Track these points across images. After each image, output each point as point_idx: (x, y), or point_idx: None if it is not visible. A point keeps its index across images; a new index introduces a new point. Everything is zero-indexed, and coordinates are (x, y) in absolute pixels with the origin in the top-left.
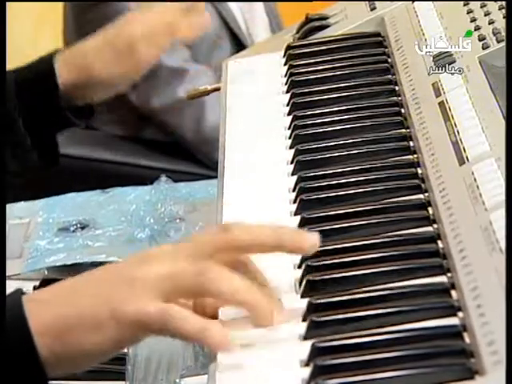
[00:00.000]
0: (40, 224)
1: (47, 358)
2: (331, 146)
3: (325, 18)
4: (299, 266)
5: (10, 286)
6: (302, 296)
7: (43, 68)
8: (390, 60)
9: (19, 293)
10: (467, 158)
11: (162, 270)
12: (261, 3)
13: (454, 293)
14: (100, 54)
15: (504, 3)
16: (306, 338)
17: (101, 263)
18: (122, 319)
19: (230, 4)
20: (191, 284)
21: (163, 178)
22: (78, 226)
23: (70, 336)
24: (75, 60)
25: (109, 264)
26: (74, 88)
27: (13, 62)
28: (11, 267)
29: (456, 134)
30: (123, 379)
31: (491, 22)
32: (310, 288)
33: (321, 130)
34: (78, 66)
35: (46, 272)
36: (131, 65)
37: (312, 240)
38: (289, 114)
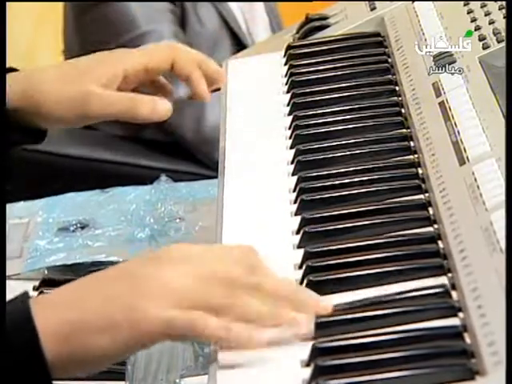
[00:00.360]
0: (40, 224)
1: (54, 361)
2: (331, 146)
3: (325, 18)
4: (300, 267)
5: (10, 286)
6: None
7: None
8: (390, 60)
9: (26, 296)
10: (467, 158)
11: (185, 280)
12: (261, 3)
13: (454, 293)
14: (54, 92)
15: (504, 3)
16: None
17: (101, 263)
18: (143, 325)
19: (231, 4)
20: (217, 304)
21: (163, 177)
22: (78, 225)
23: (78, 339)
24: (29, 87)
25: (119, 264)
26: (21, 112)
27: (13, 62)
28: (11, 267)
29: (456, 134)
30: (123, 379)
31: (491, 22)
32: (310, 289)
33: (321, 130)
34: (29, 94)
35: (46, 272)
36: (81, 113)
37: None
38: (289, 114)
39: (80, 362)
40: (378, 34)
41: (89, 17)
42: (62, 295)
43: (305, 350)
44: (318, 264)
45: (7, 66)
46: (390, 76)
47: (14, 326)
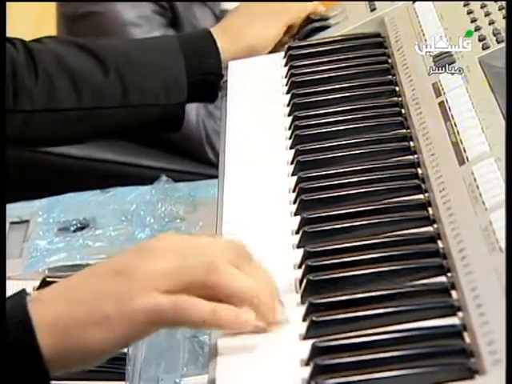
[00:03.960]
0: (40, 224)
1: (51, 357)
2: (331, 146)
3: (325, 18)
4: (299, 266)
5: (10, 286)
6: (303, 296)
7: (206, 40)
8: (390, 60)
9: (24, 293)
10: (467, 158)
11: (167, 264)
12: None
13: (453, 292)
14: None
15: (504, 3)
16: (306, 337)
17: None
18: (133, 316)
19: (226, 4)
20: (201, 280)
21: (163, 177)
22: (78, 225)
23: (73, 333)
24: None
25: (108, 259)
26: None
27: None
28: (11, 267)
29: (456, 134)
30: (123, 379)
31: (491, 23)
32: (310, 288)
33: (321, 131)
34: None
35: (47, 272)
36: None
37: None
38: (289, 114)
39: (77, 356)
40: (378, 35)
41: (79, 28)
42: (57, 291)
43: (304, 349)
44: (318, 264)
45: None
46: (389, 76)
47: (11, 323)
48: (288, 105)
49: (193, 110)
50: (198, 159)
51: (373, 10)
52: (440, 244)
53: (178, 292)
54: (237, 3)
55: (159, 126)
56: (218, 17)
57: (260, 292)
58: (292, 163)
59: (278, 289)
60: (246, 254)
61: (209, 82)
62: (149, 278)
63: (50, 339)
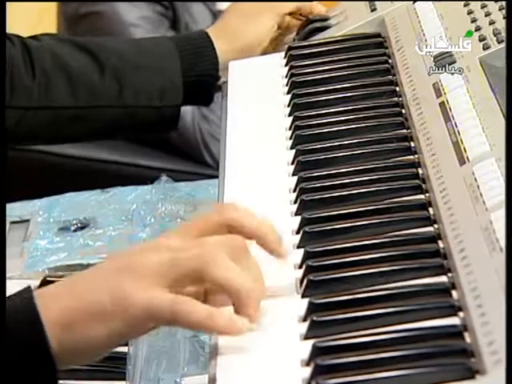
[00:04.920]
0: (40, 224)
1: (57, 350)
2: (331, 146)
3: (325, 19)
4: (300, 266)
5: (10, 286)
6: (303, 296)
7: (203, 42)
8: (390, 61)
9: (30, 288)
10: (468, 158)
11: (163, 256)
12: None
13: (454, 293)
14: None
15: (504, 3)
16: (306, 337)
17: None
18: (128, 311)
19: (224, 4)
20: (191, 267)
21: (163, 177)
22: (79, 225)
23: (77, 328)
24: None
25: (114, 255)
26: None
27: None
28: (11, 267)
29: (456, 134)
30: (124, 379)
31: (492, 23)
32: (310, 288)
33: (321, 131)
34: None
35: (47, 271)
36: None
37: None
38: (289, 114)
39: (81, 350)
40: (378, 35)
41: (80, 29)
42: (63, 287)
43: (305, 349)
44: (319, 264)
45: None
46: (390, 76)
47: (19, 317)
48: (288, 105)
49: (188, 113)
50: (196, 161)
51: (373, 10)
52: (440, 244)
53: (177, 284)
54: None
55: (154, 128)
56: (216, 16)
57: (249, 289)
58: (292, 163)
59: (279, 288)
60: (242, 248)
61: (203, 84)
62: (147, 272)
63: (55, 333)
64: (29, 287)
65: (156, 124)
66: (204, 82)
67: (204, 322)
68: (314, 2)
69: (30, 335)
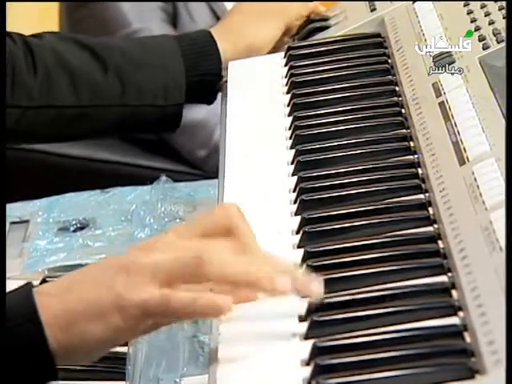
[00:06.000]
0: (40, 224)
1: (56, 349)
2: (331, 146)
3: (325, 19)
4: (300, 266)
5: (10, 286)
6: (303, 296)
7: (206, 41)
8: (390, 61)
9: (30, 285)
10: (467, 158)
11: (161, 256)
12: None
13: (454, 292)
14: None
15: (504, 3)
16: (306, 337)
17: None
18: (125, 307)
19: (226, 4)
20: (189, 265)
21: (163, 177)
22: (78, 225)
23: (75, 327)
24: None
25: (111, 256)
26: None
27: None
28: (11, 267)
29: (456, 134)
30: (124, 379)
31: (491, 23)
32: None
33: (321, 131)
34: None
35: (46, 272)
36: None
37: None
38: (289, 114)
39: (80, 349)
40: (378, 35)
41: (80, 15)
42: (61, 285)
43: (305, 349)
44: (318, 264)
45: None
46: (390, 76)
47: (19, 314)
48: (288, 105)
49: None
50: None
51: (373, 10)
52: (440, 244)
53: (175, 281)
54: (235, 3)
55: (156, 126)
56: (217, 15)
57: (258, 269)
58: (292, 163)
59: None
60: (243, 244)
61: (207, 83)
62: (145, 271)
63: (54, 331)
64: (29, 283)
65: (159, 123)
66: (207, 81)
67: (188, 307)
68: (316, 2)
69: (29, 332)
